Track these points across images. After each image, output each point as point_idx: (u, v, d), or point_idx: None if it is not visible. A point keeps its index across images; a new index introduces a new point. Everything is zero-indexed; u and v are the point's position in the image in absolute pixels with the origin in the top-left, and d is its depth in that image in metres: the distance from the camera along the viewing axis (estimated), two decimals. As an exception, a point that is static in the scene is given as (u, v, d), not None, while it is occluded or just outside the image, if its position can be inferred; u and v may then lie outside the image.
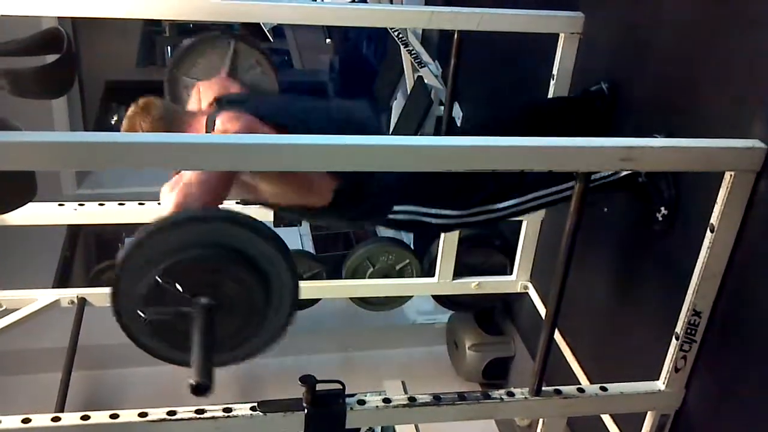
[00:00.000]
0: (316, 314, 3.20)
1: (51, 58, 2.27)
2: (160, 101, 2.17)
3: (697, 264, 1.94)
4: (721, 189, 1.84)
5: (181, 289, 1.60)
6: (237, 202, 2.41)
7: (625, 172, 2.20)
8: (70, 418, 1.87)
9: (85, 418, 1.87)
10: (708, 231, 1.89)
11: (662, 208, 2.20)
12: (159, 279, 1.58)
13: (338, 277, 3.13)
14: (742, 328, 1.97)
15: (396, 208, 2.19)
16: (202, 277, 1.62)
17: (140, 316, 1.64)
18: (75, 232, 4.53)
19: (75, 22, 4.53)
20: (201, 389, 1.51)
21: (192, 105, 2.37)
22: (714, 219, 1.87)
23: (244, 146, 1.57)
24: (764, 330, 1.90)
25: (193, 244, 1.61)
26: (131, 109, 2.15)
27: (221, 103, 2.17)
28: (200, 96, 2.35)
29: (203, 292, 1.62)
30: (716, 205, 1.86)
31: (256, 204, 2.24)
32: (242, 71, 2.64)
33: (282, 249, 1.65)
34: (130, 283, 1.61)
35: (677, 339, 2.05)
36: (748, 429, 2.00)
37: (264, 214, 2.43)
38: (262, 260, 1.64)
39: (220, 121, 2.04)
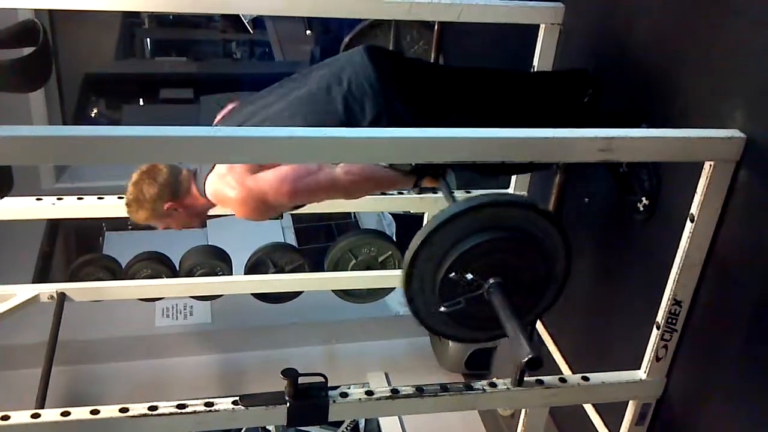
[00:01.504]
0: (298, 307, 3.19)
1: (28, 50, 2.24)
2: (165, 166, 2.22)
3: (678, 253, 1.95)
4: (701, 179, 1.84)
5: (471, 277, 1.70)
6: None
7: None
8: (50, 415, 1.86)
9: (65, 414, 1.85)
10: (688, 221, 1.90)
11: (643, 198, 2.21)
12: (450, 274, 1.69)
13: (320, 269, 3.13)
14: (722, 317, 1.99)
15: None
16: (488, 260, 1.72)
17: (438, 311, 1.75)
18: (54, 226, 4.48)
19: (52, 14, 4.48)
20: (536, 362, 1.59)
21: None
22: (694, 209, 1.88)
23: (230, 139, 1.55)
24: (744, 319, 1.91)
25: (471, 233, 1.70)
26: (136, 175, 2.22)
27: None
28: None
29: (492, 273, 1.72)
30: (696, 195, 1.86)
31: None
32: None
33: (553, 219, 1.77)
34: (420, 284, 1.73)
35: (658, 328, 2.06)
36: (729, 417, 2.02)
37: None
38: (539, 234, 1.75)
39: (210, 184, 2.12)
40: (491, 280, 1.72)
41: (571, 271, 1.86)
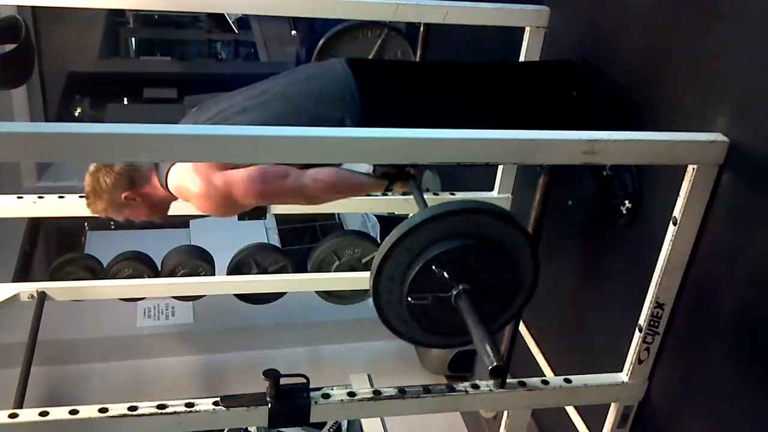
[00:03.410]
0: (281, 308, 3.18)
1: (9, 47, 2.23)
2: None
3: (660, 257, 1.95)
4: (684, 182, 1.85)
5: (444, 276, 1.73)
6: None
7: None
8: (28, 415, 1.83)
9: (43, 414, 1.83)
10: (671, 224, 1.90)
11: (626, 201, 2.21)
12: (431, 267, 1.72)
13: (304, 270, 3.12)
14: (704, 320, 1.99)
15: None
16: (465, 266, 1.74)
17: (400, 300, 1.79)
18: (35, 225, 4.45)
19: (35, 11, 4.45)
20: (500, 370, 1.66)
21: None
22: (677, 212, 1.88)
23: (210, 138, 1.54)
24: (726, 322, 1.92)
25: (454, 235, 1.73)
26: (92, 166, 2.18)
27: None
28: None
29: (463, 279, 1.74)
30: (679, 199, 1.87)
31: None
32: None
33: (528, 237, 1.80)
34: (393, 271, 1.77)
35: (640, 331, 2.06)
36: (710, 420, 2.02)
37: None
38: (512, 247, 1.78)
39: (173, 176, 2.09)
40: (461, 286, 1.74)
41: (538, 285, 1.89)
